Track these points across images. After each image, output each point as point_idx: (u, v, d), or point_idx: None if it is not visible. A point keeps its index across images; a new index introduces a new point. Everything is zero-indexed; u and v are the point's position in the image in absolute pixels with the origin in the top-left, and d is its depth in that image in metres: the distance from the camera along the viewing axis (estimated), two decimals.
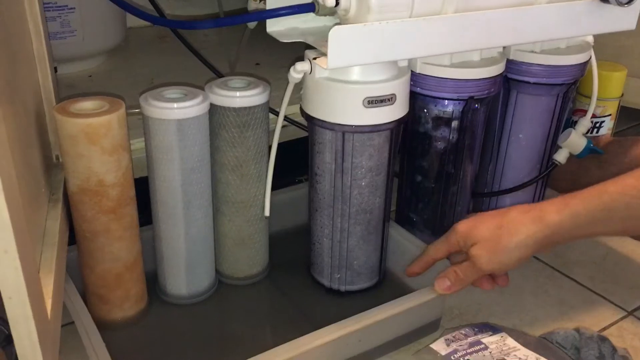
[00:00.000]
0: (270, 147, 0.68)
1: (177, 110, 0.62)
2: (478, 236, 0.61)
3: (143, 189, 0.67)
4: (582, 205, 0.57)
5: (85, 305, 0.62)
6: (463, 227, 0.63)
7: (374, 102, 0.61)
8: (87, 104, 0.60)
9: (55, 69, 0.76)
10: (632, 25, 0.70)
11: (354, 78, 0.61)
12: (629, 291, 0.79)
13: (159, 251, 0.70)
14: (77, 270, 0.66)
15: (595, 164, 0.84)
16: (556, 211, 0.58)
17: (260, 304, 0.74)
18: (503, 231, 0.60)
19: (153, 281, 0.72)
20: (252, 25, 0.90)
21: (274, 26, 0.67)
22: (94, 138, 0.58)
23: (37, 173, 0.60)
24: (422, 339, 0.69)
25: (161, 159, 0.64)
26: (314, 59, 0.62)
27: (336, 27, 0.55)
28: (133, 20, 1.18)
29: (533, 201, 0.82)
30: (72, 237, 0.64)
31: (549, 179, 0.86)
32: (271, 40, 0.66)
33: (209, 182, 0.68)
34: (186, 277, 0.70)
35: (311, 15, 0.62)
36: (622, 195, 0.56)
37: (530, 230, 0.59)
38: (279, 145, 0.69)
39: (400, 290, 0.73)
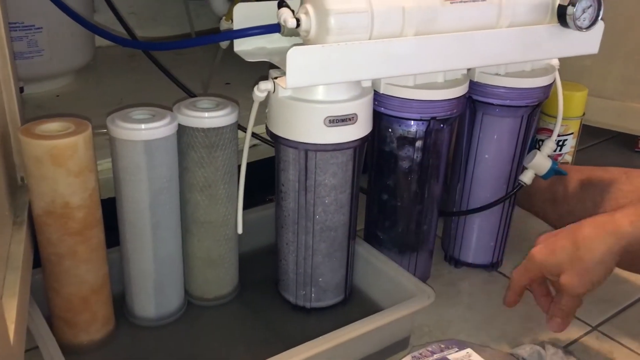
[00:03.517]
0: (240, 167, 0.69)
1: (144, 131, 0.62)
2: (560, 264, 0.62)
3: (110, 210, 0.67)
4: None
5: (50, 330, 0.61)
6: (540, 256, 0.64)
7: (335, 121, 0.62)
8: (53, 126, 0.60)
9: (22, 89, 0.76)
10: (594, 49, 0.73)
11: (316, 97, 0.62)
12: (593, 306, 0.80)
13: (126, 273, 0.69)
14: (42, 294, 0.65)
15: (578, 185, 0.85)
16: (629, 223, 0.59)
17: (230, 324, 0.74)
18: (582, 252, 0.61)
19: (120, 303, 0.71)
20: (224, 45, 0.91)
21: (241, 46, 0.68)
22: (60, 160, 0.57)
23: (1, 195, 0.59)
24: (392, 357, 0.69)
25: (129, 180, 0.64)
26: (275, 78, 0.63)
27: (294, 47, 0.56)
28: (102, 39, 1.18)
29: (500, 222, 0.83)
30: (38, 260, 0.64)
31: (521, 199, 0.88)
32: (242, 59, 0.67)
33: (178, 202, 0.68)
34: (154, 298, 0.70)
35: (277, 35, 0.63)
36: None
37: (607, 243, 0.60)
38: (250, 164, 0.69)
39: (366, 307, 0.74)
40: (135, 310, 0.70)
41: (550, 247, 0.63)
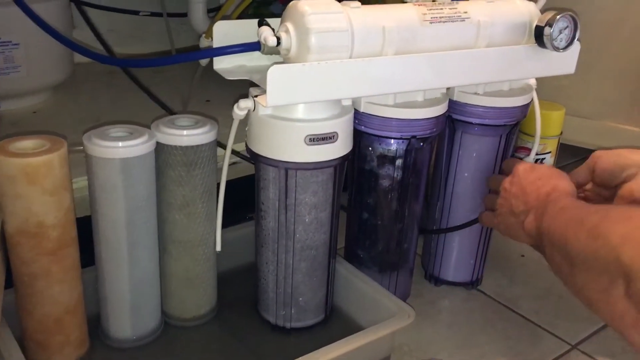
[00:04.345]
0: (218, 185, 0.68)
1: (121, 149, 0.61)
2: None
3: (86, 229, 0.65)
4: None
5: (21, 352, 0.60)
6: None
7: (315, 139, 0.62)
8: (27, 143, 0.59)
9: None
10: (570, 70, 0.74)
11: (296, 116, 0.62)
12: (572, 325, 0.80)
13: (102, 293, 0.68)
14: (14, 315, 0.63)
15: None
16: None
17: (208, 345, 0.72)
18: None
19: (95, 324, 0.70)
20: (204, 62, 0.91)
21: (220, 64, 0.68)
22: (34, 178, 0.56)
23: None
24: None
25: (105, 199, 0.63)
26: (256, 96, 0.62)
27: (275, 65, 0.56)
28: (81, 56, 1.17)
29: (480, 240, 0.83)
30: (10, 280, 0.62)
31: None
32: (223, 77, 0.67)
33: (155, 221, 0.67)
34: (131, 319, 0.68)
35: (257, 53, 0.62)
36: None
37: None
38: (229, 182, 0.69)
39: (346, 327, 0.73)
40: (110, 332, 0.69)
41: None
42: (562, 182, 0.60)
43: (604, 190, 0.62)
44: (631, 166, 0.56)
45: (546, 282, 0.89)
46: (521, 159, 0.87)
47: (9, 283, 0.62)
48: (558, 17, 0.67)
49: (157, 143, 0.65)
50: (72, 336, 0.64)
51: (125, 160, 0.61)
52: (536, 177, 0.61)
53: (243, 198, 0.78)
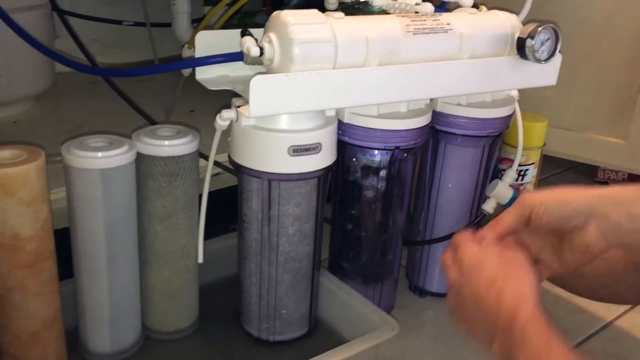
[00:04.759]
0: (200, 196, 0.67)
1: (101, 159, 0.60)
2: (595, 205, 0.49)
3: (65, 240, 0.64)
4: None
5: None
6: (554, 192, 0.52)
7: (299, 150, 0.61)
8: (4, 154, 0.57)
9: None
10: (552, 81, 0.74)
11: (279, 126, 0.62)
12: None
13: (80, 306, 0.66)
14: None
15: None
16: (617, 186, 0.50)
17: (190, 358, 0.71)
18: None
19: (74, 338, 0.68)
20: (187, 72, 0.90)
21: (203, 74, 0.67)
22: (10, 189, 0.55)
23: None
24: None
25: (84, 210, 0.62)
26: (239, 107, 0.62)
27: (258, 76, 0.56)
28: (62, 65, 1.16)
29: None
30: None
31: (480, 228, 0.88)
32: (206, 87, 0.66)
33: (135, 232, 0.66)
34: (110, 332, 0.67)
35: (240, 64, 0.62)
36: None
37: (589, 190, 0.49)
38: (212, 193, 0.68)
39: (332, 340, 0.72)
40: (89, 346, 0.67)
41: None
42: (523, 288, 0.50)
43: (548, 235, 0.54)
44: (579, 214, 0.50)
45: None
46: (504, 170, 0.87)
47: None
48: (540, 29, 0.67)
49: (138, 153, 0.64)
50: (50, 350, 0.63)
51: (105, 171, 0.60)
52: (487, 280, 0.50)
53: (225, 209, 0.78)
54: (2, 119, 1.02)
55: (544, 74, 0.73)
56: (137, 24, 1.23)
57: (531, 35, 0.67)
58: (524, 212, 0.53)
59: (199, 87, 0.68)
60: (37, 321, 0.61)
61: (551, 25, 0.68)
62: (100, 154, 0.60)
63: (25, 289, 0.59)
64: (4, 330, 0.60)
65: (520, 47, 0.68)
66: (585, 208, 0.50)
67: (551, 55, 0.69)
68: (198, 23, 1.13)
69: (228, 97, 0.66)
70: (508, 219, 0.54)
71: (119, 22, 1.23)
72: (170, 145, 0.64)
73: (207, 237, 0.70)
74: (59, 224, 0.64)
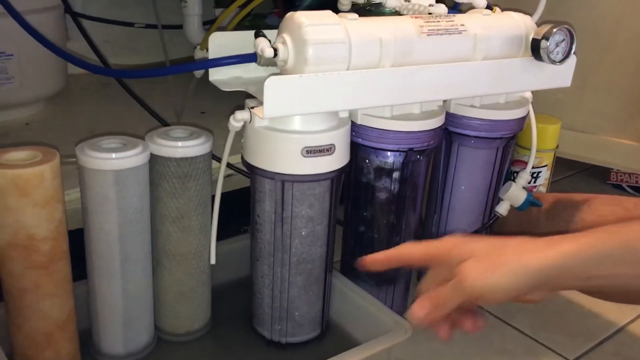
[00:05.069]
0: (213, 197, 0.67)
1: (114, 160, 0.60)
2: (474, 248, 0.48)
3: (78, 241, 0.64)
4: (600, 240, 0.47)
5: None
6: (453, 239, 0.51)
7: (312, 151, 0.61)
8: (19, 154, 0.58)
9: None
10: (567, 82, 0.73)
11: (293, 127, 0.61)
12: (570, 339, 0.80)
13: (93, 307, 0.66)
14: (4, 330, 0.62)
15: (545, 217, 0.85)
16: (572, 239, 0.47)
17: None
18: (509, 249, 0.48)
19: (86, 339, 0.68)
20: (199, 74, 0.91)
21: (216, 75, 0.67)
22: (25, 190, 0.55)
23: None
24: None
25: (97, 211, 0.62)
26: (252, 108, 0.62)
27: (272, 77, 0.56)
28: (75, 67, 1.16)
29: None
30: (0, 294, 0.61)
31: (493, 231, 0.87)
32: (218, 89, 0.66)
33: (149, 234, 0.66)
34: (123, 334, 0.67)
35: (253, 65, 0.62)
36: None
37: (542, 254, 0.46)
38: (225, 194, 0.68)
39: (344, 342, 0.72)
40: (102, 347, 0.67)
41: (469, 238, 0.51)
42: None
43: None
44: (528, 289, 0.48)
45: None
46: (517, 172, 0.87)
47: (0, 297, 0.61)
48: (554, 30, 0.67)
49: (151, 155, 0.64)
50: (63, 351, 0.63)
51: (119, 172, 0.60)
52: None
53: (237, 211, 0.78)
54: (14, 120, 1.02)
55: (559, 75, 0.72)
56: (148, 26, 1.24)
57: (546, 37, 0.67)
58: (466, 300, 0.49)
59: (210, 89, 0.68)
60: (51, 322, 0.61)
61: (566, 26, 0.67)
62: (114, 155, 0.60)
63: (39, 290, 0.59)
64: (18, 330, 0.61)
65: (535, 49, 0.68)
66: (532, 287, 0.47)
67: (566, 56, 0.69)
68: (209, 25, 1.14)
69: (238, 99, 0.66)
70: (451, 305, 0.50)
71: (131, 24, 1.24)
72: (184, 146, 0.64)
73: (219, 238, 0.70)
74: (72, 225, 0.64)
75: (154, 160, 0.64)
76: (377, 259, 0.54)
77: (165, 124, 0.86)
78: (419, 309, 0.49)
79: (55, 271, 0.59)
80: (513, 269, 0.47)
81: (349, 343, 0.69)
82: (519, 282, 0.47)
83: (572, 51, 0.69)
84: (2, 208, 0.55)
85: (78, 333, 0.65)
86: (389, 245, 0.75)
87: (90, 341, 0.69)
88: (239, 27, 0.87)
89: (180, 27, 1.12)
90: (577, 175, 1.30)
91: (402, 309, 0.81)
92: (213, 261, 0.70)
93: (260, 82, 0.57)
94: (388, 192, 0.72)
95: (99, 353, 0.68)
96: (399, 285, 0.79)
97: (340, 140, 0.64)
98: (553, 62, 0.68)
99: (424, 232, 0.85)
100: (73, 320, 0.64)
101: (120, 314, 0.66)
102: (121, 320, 0.66)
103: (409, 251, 0.53)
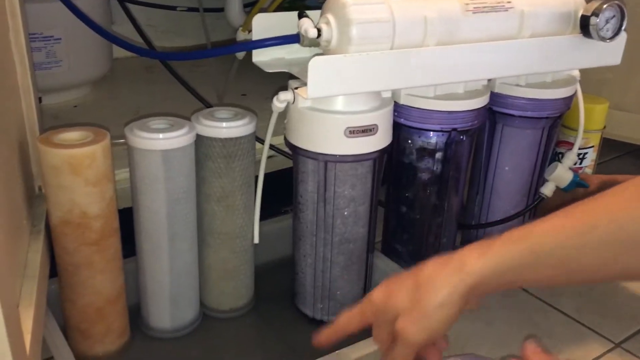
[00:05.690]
0: (256, 177, 0.68)
1: (162, 140, 0.61)
2: (397, 306, 0.51)
3: (127, 220, 0.66)
4: (506, 249, 0.49)
5: (65, 340, 0.61)
6: (378, 297, 0.53)
7: (355, 132, 0.61)
8: (71, 135, 0.59)
9: (40, 100, 0.76)
10: (616, 60, 0.72)
11: (336, 108, 0.62)
12: (616, 323, 0.78)
13: (142, 284, 0.68)
14: (58, 304, 0.64)
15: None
16: (477, 257, 0.50)
17: (245, 337, 0.73)
18: (422, 292, 0.50)
19: (135, 314, 0.70)
20: (240, 56, 0.91)
21: (259, 56, 0.68)
22: (78, 169, 0.57)
23: (18, 204, 0.59)
24: None
25: (146, 190, 0.63)
26: (296, 88, 0.62)
27: (316, 57, 0.56)
28: (119, 51, 1.19)
29: None
30: (54, 269, 0.63)
31: (537, 212, 0.86)
32: (258, 71, 0.67)
33: (195, 213, 0.68)
34: (170, 310, 0.69)
35: (296, 46, 0.62)
36: (550, 236, 0.48)
37: (451, 283, 0.50)
38: (267, 175, 0.69)
39: None
40: (150, 322, 0.70)
41: (390, 289, 0.53)
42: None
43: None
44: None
45: None
46: (562, 153, 0.85)
47: (54, 272, 0.63)
48: (605, 6, 0.65)
49: (197, 135, 0.65)
50: (114, 325, 0.65)
51: (166, 152, 0.62)
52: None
53: (278, 192, 0.78)
54: (63, 103, 1.05)
55: (608, 53, 0.70)
56: (190, 9, 1.25)
57: (596, 13, 0.65)
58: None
59: (250, 71, 0.68)
60: (102, 297, 0.63)
61: (616, 2, 0.65)
62: (161, 136, 0.61)
63: (91, 266, 0.61)
64: (72, 305, 0.63)
65: (584, 25, 0.66)
66: (462, 304, 0.50)
67: (616, 33, 0.67)
68: (249, 8, 1.14)
69: (279, 81, 0.66)
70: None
71: (173, 8, 1.26)
72: (228, 127, 0.65)
73: (262, 219, 0.71)
74: (121, 204, 0.66)
75: (200, 141, 0.66)
76: (322, 340, 0.57)
77: (208, 105, 0.87)
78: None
79: (107, 248, 0.61)
80: (433, 310, 0.50)
81: None
82: (446, 316, 0.50)
83: (623, 28, 0.67)
84: (56, 186, 0.57)
85: (128, 308, 0.67)
86: (430, 226, 0.75)
87: (139, 316, 0.71)
88: (279, 8, 0.87)
89: (221, 10, 1.13)
90: (624, 157, 1.26)
91: None
92: (256, 240, 0.71)
93: (303, 63, 0.57)
94: (430, 173, 0.72)
95: (147, 327, 0.70)
96: None
97: (383, 120, 0.64)
98: (603, 39, 0.67)
99: (467, 213, 0.84)
100: (123, 296, 0.66)
101: (168, 290, 0.68)
102: (168, 296, 0.68)
103: (347, 324, 0.56)
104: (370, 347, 0.61)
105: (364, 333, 0.56)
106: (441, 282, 0.50)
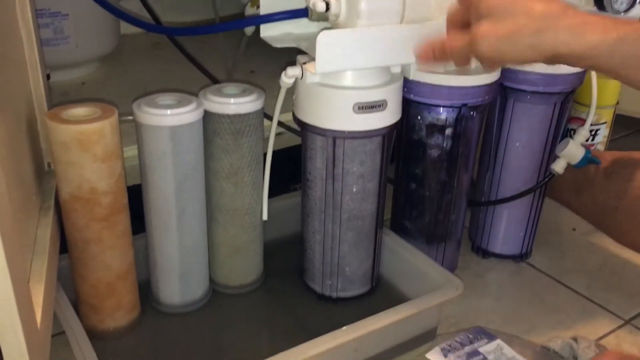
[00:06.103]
0: (265, 154, 0.68)
1: (170, 117, 0.61)
2: (497, 5, 0.47)
3: (136, 197, 0.66)
4: (633, 36, 0.45)
5: (76, 315, 0.61)
6: None
7: (364, 107, 0.61)
8: (80, 111, 0.59)
9: (48, 76, 0.75)
10: None
11: (344, 83, 0.61)
12: (626, 299, 0.78)
13: (152, 259, 0.69)
14: (69, 279, 0.65)
15: (602, 175, 0.82)
16: (601, 32, 0.45)
17: (254, 312, 0.73)
18: (530, 19, 0.46)
19: (146, 290, 0.71)
20: (249, 32, 0.90)
21: (267, 31, 0.67)
22: (86, 145, 0.57)
23: (27, 180, 0.59)
24: (418, 348, 0.68)
25: (154, 167, 0.63)
26: (304, 63, 0.61)
27: (324, 31, 0.55)
28: (127, 27, 1.18)
29: (530, 212, 0.81)
30: (64, 245, 0.64)
31: (548, 189, 0.86)
32: (267, 47, 0.66)
33: (203, 189, 0.68)
34: (179, 285, 0.69)
35: (305, 20, 0.62)
36: None
37: (559, 38, 0.45)
38: (275, 152, 0.68)
39: (393, 298, 0.72)
40: (160, 297, 0.70)
41: None
42: None
43: None
44: None
45: (598, 256, 0.87)
46: (574, 130, 0.84)
47: (64, 248, 0.64)
48: None
49: (205, 111, 0.65)
50: (124, 300, 0.66)
51: (174, 128, 0.61)
52: None
53: (286, 169, 0.78)
54: (71, 80, 1.05)
55: None
56: None
57: None
58: None
59: (259, 48, 0.68)
60: (112, 272, 0.64)
61: None
62: (169, 112, 0.61)
63: (101, 241, 0.61)
64: (82, 280, 0.64)
65: None
66: (539, 61, 0.48)
67: (631, 6, 0.66)
68: None
69: (287, 58, 0.66)
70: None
71: None
72: (236, 103, 0.65)
73: (270, 196, 0.71)
74: (130, 180, 0.66)
75: (208, 117, 0.65)
76: (426, 47, 0.53)
77: (216, 81, 0.87)
78: (424, 52, 0.52)
79: (116, 224, 0.62)
80: (528, 45, 0.47)
81: (399, 299, 0.70)
82: (530, 55, 0.47)
83: (637, 1, 0.66)
84: (65, 162, 0.58)
85: (138, 284, 0.68)
86: (440, 203, 0.75)
87: (150, 292, 0.71)
88: None
89: None
90: (637, 134, 1.25)
91: (452, 266, 0.81)
92: (265, 217, 0.71)
93: (312, 38, 0.56)
94: (440, 149, 0.71)
95: (157, 303, 0.71)
96: (449, 244, 0.78)
97: (392, 96, 0.63)
98: (617, 12, 0.65)
99: (477, 190, 0.84)
100: (133, 272, 0.66)
101: (177, 266, 0.68)
102: (178, 272, 0.68)
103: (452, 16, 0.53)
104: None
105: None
106: (555, 31, 0.46)
